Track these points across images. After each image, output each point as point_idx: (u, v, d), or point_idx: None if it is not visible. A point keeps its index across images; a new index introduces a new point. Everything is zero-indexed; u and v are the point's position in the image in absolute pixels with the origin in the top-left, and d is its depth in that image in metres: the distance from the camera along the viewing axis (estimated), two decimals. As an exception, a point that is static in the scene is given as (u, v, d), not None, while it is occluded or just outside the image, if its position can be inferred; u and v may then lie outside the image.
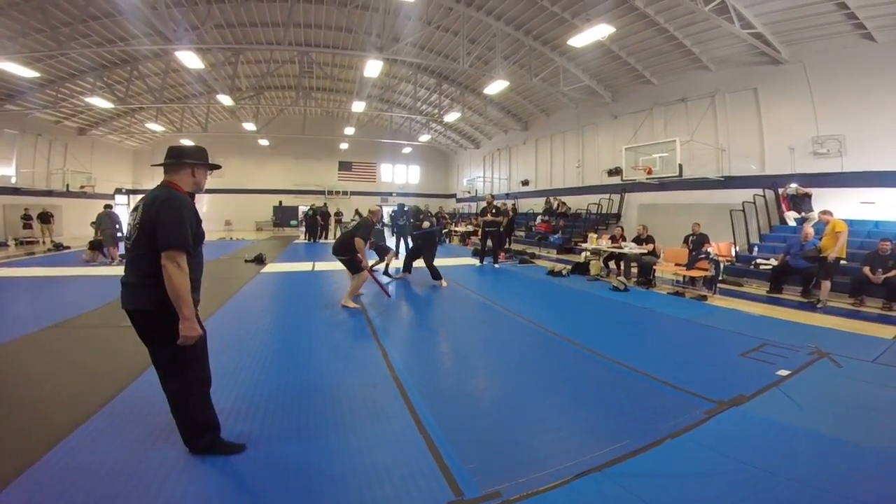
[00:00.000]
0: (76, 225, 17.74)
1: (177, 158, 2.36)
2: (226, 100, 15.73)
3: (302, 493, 2.05)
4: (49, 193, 17.62)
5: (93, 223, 11.38)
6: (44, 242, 15.43)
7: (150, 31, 12.24)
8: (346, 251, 6.15)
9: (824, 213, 7.23)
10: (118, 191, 22.92)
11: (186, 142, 23.21)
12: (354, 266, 6.19)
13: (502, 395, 3.35)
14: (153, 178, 24.69)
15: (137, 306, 2.18)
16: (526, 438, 2.63)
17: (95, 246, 10.80)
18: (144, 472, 2.15)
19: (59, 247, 13.95)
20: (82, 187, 19.09)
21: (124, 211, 21.82)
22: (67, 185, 18.38)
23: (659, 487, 2.12)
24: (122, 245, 11.24)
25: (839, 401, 3.19)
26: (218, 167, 2.61)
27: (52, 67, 13.99)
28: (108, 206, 11.52)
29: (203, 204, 21.75)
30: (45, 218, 16.04)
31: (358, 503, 1.99)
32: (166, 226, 2.10)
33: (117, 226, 10.84)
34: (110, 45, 12.87)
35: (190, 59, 10.88)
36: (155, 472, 2.16)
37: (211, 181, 2.63)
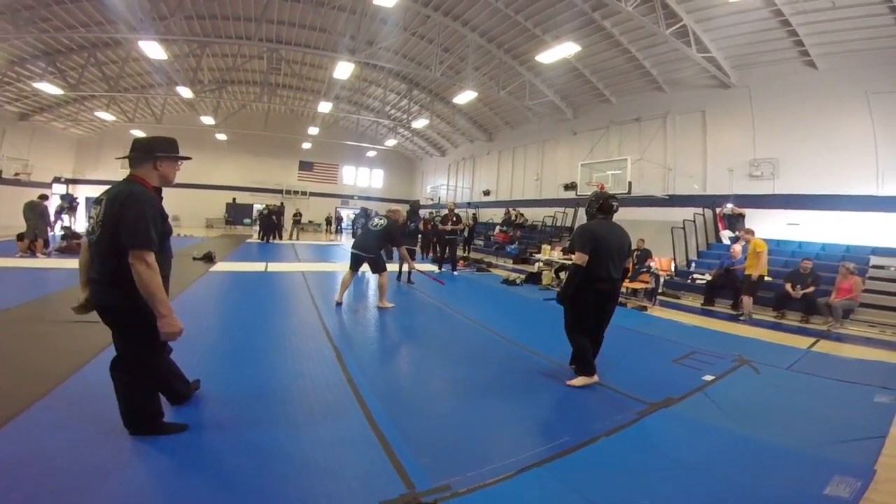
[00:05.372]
0: (6, 215, 16.41)
1: (139, 151, 2.32)
2: (186, 92, 15.17)
3: (254, 492, 2.06)
4: (-23, 179, 16.33)
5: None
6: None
7: (115, 19, 11.65)
8: (373, 251, 6.25)
9: (747, 232, 7.84)
10: (56, 180, 21.41)
11: (137, 132, 22.07)
12: (379, 266, 6.26)
13: (453, 394, 3.49)
14: (97, 168, 23.65)
15: (104, 302, 2.21)
16: (475, 435, 2.77)
17: (25, 237, 9.83)
18: (84, 465, 2.10)
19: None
20: (17, 174, 17.74)
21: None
22: (0, 172, 17.05)
23: (594, 481, 2.30)
24: (54, 239, 10.52)
25: (756, 404, 3.53)
26: (188, 158, 2.55)
27: (1, 50, 13.07)
28: (42, 197, 10.38)
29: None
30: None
31: (311, 499, 2.02)
32: (129, 224, 2.08)
33: (44, 219, 9.99)
34: (71, 30, 12.15)
35: (153, 50, 10.47)
36: (96, 464, 2.12)
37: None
